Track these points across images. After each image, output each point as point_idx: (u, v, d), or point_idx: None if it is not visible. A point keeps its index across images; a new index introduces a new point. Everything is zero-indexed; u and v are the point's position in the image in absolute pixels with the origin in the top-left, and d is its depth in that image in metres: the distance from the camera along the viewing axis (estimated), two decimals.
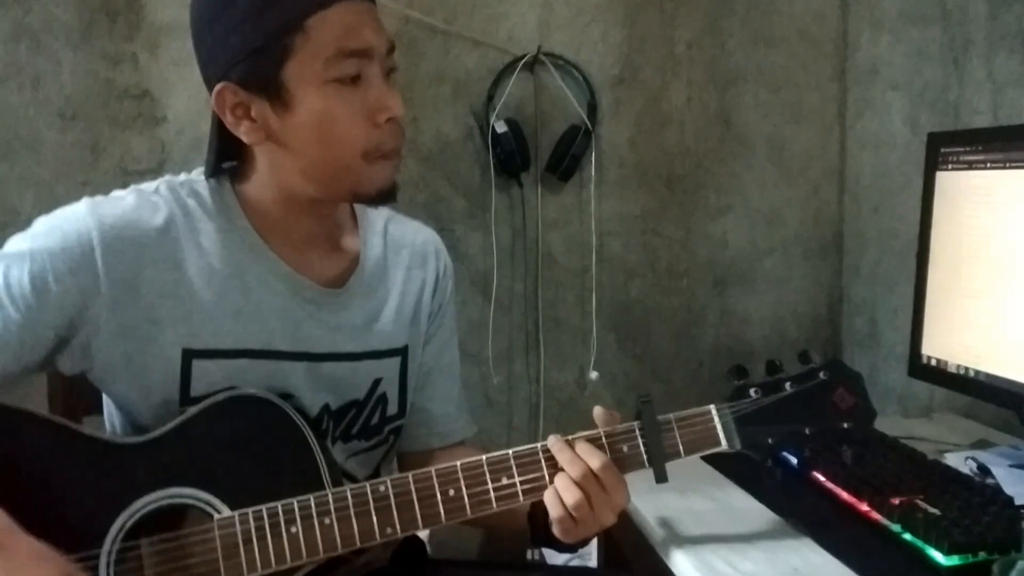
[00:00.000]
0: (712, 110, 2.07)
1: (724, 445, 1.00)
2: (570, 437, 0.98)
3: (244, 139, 1.00)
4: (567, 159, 1.96)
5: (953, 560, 0.93)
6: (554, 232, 2.04)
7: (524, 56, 1.95)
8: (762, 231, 2.12)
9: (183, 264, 1.01)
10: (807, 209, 2.13)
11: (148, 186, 1.05)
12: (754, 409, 1.00)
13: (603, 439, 0.98)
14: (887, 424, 1.38)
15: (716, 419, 1.00)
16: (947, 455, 1.27)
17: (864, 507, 1.06)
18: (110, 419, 1.09)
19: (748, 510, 1.14)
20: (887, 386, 1.94)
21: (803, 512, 1.10)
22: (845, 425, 1.02)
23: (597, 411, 1.01)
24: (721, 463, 1.28)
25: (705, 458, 1.29)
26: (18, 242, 0.99)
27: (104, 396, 1.08)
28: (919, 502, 1.02)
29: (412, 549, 1.26)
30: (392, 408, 1.15)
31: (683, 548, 1.04)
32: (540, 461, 0.98)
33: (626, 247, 2.07)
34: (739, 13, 2.05)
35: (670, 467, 0.99)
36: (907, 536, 0.99)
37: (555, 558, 1.95)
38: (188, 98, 1.84)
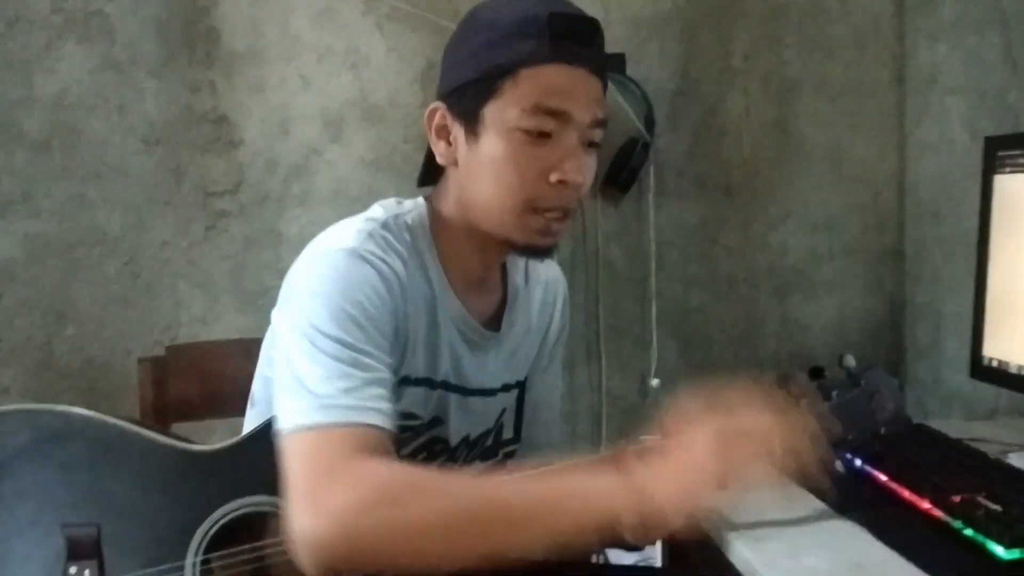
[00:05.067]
0: (769, 120, 2.10)
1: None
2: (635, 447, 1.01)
3: (438, 158, 1.07)
4: (626, 171, 2.00)
5: (1014, 554, 0.95)
6: (614, 243, 2.08)
7: None
8: (822, 238, 2.14)
9: (406, 299, 1.04)
10: (867, 216, 2.14)
11: (373, 221, 1.06)
12: None
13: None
14: (950, 426, 1.39)
15: None
16: (1010, 455, 1.28)
17: (925, 504, 1.08)
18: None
19: (809, 507, 1.16)
20: (951, 390, 1.93)
21: (863, 509, 1.12)
22: (883, 431, 1.08)
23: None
24: None
25: None
26: (317, 311, 0.95)
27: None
28: (980, 499, 1.04)
29: None
30: (508, 432, 1.20)
31: (746, 544, 1.06)
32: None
33: (685, 256, 2.11)
34: (794, 23, 2.08)
35: None
36: (968, 531, 1.00)
37: (619, 560, 1.98)
38: (262, 122, 1.93)
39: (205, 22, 1.91)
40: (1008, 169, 1.37)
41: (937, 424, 1.40)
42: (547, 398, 1.26)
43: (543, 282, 1.23)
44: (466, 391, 1.13)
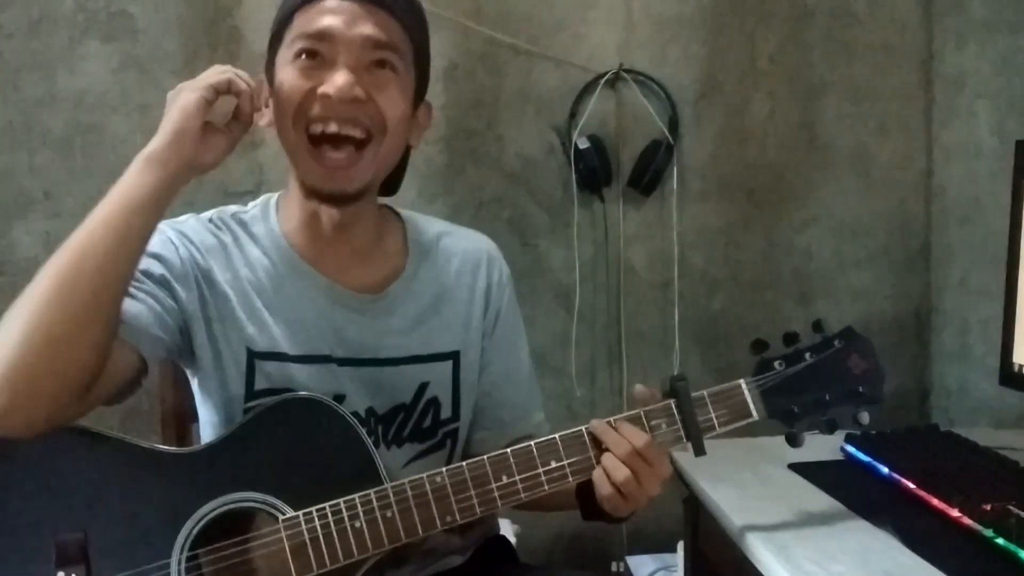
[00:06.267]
0: (795, 122, 2.07)
1: (755, 416, 1.05)
2: (612, 419, 1.02)
3: (264, 124, 1.11)
4: (649, 173, 1.98)
5: None
6: (636, 246, 2.06)
7: (606, 74, 1.99)
8: (847, 243, 2.11)
9: (239, 274, 1.11)
10: (893, 220, 2.11)
11: (203, 215, 1.16)
12: (779, 380, 1.06)
13: (643, 418, 1.03)
14: (979, 434, 1.37)
15: (746, 392, 1.05)
16: None
17: (955, 512, 1.06)
18: (206, 413, 1.15)
19: (837, 515, 1.14)
20: (979, 398, 1.90)
21: (892, 517, 1.10)
22: (860, 389, 1.08)
23: (638, 388, 1.05)
24: (809, 472, 1.28)
25: (792, 466, 1.30)
26: None
27: (197, 396, 1.16)
28: (1011, 508, 1.02)
29: (500, 550, 1.30)
30: (445, 412, 1.18)
31: (772, 552, 1.05)
32: (586, 443, 1.02)
33: (708, 260, 2.09)
34: (820, 26, 2.06)
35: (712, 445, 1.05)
36: (1000, 540, 0.98)
37: (640, 571, 1.96)
38: None
39: (227, 22, 1.92)
40: None
41: (964, 432, 1.38)
42: (503, 375, 1.23)
43: (459, 253, 1.22)
44: (357, 361, 1.12)
